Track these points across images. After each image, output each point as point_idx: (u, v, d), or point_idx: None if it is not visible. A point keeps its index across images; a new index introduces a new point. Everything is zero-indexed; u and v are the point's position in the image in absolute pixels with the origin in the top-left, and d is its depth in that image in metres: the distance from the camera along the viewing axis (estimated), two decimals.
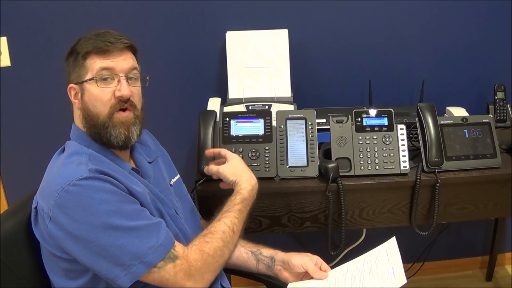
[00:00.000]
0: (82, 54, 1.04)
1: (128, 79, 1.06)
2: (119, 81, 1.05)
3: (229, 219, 1.10)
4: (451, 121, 1.54)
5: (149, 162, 1.18)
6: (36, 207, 1.00)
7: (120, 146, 1.07)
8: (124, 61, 1.06)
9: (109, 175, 0.98)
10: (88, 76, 1.04)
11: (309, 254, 1.21)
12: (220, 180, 1.24)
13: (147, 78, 1.14)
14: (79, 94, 1.06)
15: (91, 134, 1.06)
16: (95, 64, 1.04)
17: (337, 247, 1.47)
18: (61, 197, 0.93)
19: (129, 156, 1.16)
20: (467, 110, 1.75)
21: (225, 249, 1.07)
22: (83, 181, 0.94)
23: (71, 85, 1.06)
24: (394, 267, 1.06)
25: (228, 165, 1.23)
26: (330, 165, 1.41)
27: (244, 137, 1.49)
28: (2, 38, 1.84)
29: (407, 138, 1.49)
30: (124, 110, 1.06)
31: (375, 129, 1.49)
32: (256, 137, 1.49)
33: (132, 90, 1.06)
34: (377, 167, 1.46)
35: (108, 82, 1.04)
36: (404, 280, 1.00)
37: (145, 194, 1.05)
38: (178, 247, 1.01)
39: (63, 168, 0.99)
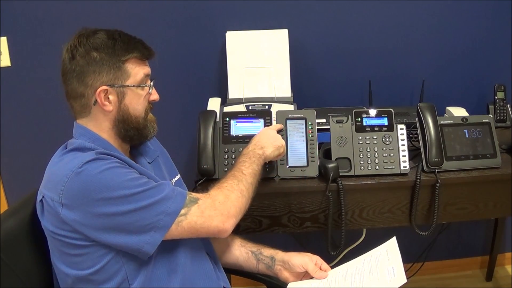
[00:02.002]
0: (124, 58, 1.04)
1: None
2: (150, 86, 1.11)
3: (237, 167, 1.18)
4: (451, 121, 1.54)
5: (149, 163, 1.18)
6: (41, 200, 1.00)
7: (145, 140, 1.15)
8: (149, 67, 1.11)
9: (115, 157, 1.01)
10: (131, 81, 1.06)
11: (309, 254, 1.21)
12: None
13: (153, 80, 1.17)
14: (114, 97, 1.05)
15: (126, 135, 1.08)
16: (137, 69, 1.06)
17: (337, 247, 1.47)
18: (72, 181, 0.94)
19: (130, 157, 1.16)
20: (467, 110, 1.75)
21: (242, 186, 1.12)
22: (91, 162, 0.96)
23: (104, 87, 1.03)
24: (394, 266, 1.06)
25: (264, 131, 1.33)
26: (330, 165, 1.41)
27: (244, 137, 1.49)
28: (2, 38, 1.84)
29: (407, 138, 1.49)
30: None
31: (375, 129, 1.49)
32: None
33: None
34: (377, 167, 1.46)
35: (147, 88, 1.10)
36: (404, 280, 1.01)
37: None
38: (194, 193, 1.06)
39: (68, 159, 1.00)
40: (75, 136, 1.08)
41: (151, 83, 1.10)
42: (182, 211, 1.00)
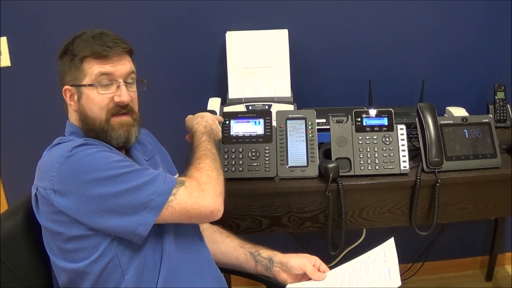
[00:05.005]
0: (79, 57, 1.04)
1: (126, 83, 1.08)
2: (118, 86, 1.06)
3: (203, 146, 1.15)
4: (451, 121, 1.54)
5: (146, 160, 1.18)
6: (35, 193, 1.00)
7: (120, 147, 1.10)
8: (123, 66, 1.07)
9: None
10: (86, 81, 1.05)
11: (308, 255, 1.20)
12: None
13: (145, 81, 1.15)
14: (75, 97, 1.07)
15: (89, 135, 1.07)
16: (93, 68, 1.04)
17: (337, 247, 1.47)
18: (62, 165, 0.95)
19: (127, 155, 1.16)
20: (467, 110, 1.76)
21: (217, 163, 1.10)
22: (80, 147, 0.98)
23: (66, 86, 1.07)
24: (390, 269, 1.07)
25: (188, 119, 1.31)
26: (330, 165, 1.40)
27: (244, 137, 1.49)
28: (2, 38, 1.84)
29: (407, 138, 1.49)
30: (122, 114, 1.08)
31: (375, 129, 1.49)
32: (256, 137, 1.49)
33: (130, 95, 1.08)
34: (377, 167, 1.46)
35: (107, 88, 1.06)
36: (398, 283, 1.01)
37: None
38: (180, 177, 1.06)
39: (56, 149, 1.01)
40: (66, 134, 1.10)
41: (110, 82, 1.05)
42: (173, 191, 1.00)
